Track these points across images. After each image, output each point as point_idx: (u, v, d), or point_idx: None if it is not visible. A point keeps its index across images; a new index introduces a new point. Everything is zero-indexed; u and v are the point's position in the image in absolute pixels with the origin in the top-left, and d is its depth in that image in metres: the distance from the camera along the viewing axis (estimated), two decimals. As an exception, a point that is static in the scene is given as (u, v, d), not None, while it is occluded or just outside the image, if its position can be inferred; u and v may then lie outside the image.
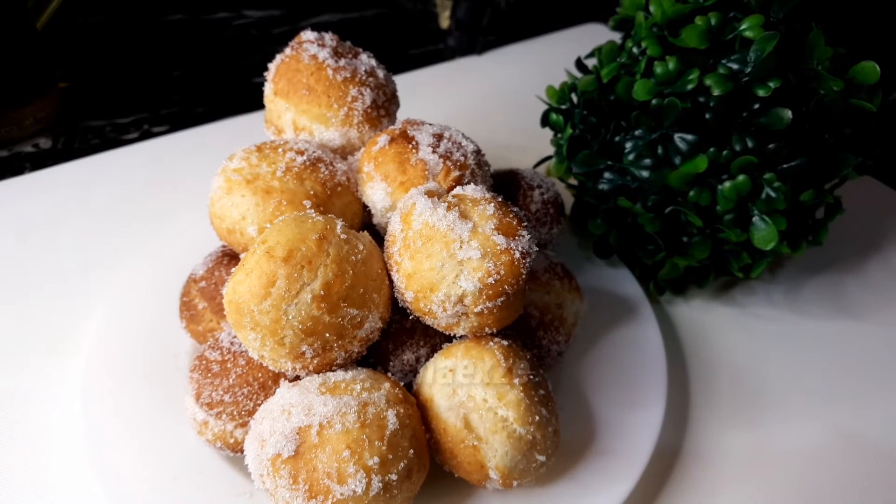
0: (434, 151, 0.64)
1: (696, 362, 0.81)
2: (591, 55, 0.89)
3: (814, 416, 0.76)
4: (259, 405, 0.59)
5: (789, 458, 0.71)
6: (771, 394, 0.78)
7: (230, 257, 0.70)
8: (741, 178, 0.71)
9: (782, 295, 0.91)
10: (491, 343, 0.59)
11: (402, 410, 0.55)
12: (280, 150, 0.64)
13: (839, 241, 0.95)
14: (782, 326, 0.86)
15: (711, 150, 0.72)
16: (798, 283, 0.92)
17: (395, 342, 0.64)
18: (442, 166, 0.63)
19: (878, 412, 0.77)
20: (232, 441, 0.60)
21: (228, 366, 0.61)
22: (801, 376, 0.80)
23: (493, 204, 0.58)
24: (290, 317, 0.53)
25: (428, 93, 1.29)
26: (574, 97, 0.88)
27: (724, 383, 0.79)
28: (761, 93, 0.68)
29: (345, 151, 0.70)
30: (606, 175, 0.81)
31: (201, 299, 0.69)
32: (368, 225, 0.69)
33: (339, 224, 0.57)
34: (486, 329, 0.60)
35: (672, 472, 0.69)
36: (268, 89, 0.71)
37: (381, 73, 0.72)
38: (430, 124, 0.68)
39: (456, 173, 0.64)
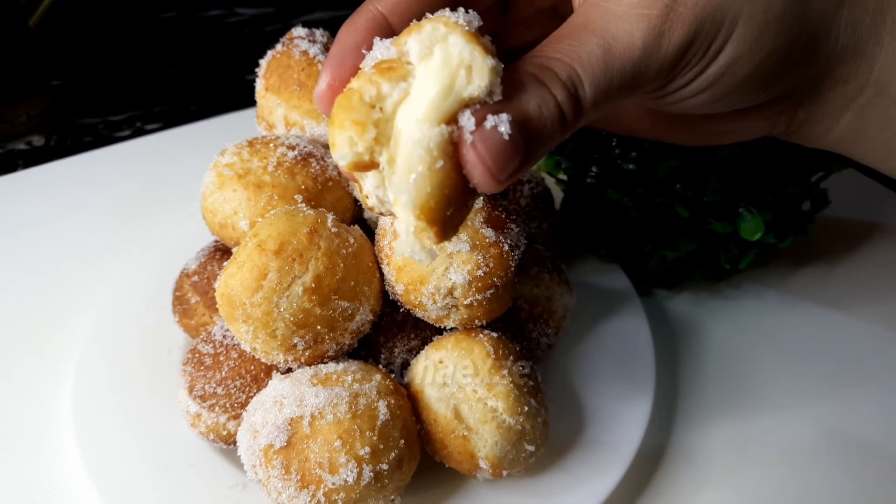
0: (424, 146, 0.64)
1: (685, 354, 0.82)
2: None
3: (802, 407, 0.76)
4: (251, 397, 0.60)
5: (777, 449, 0.72)
6: (759, 386, 0.79)
7: (222, 252, 0.71)
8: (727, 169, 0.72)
9: (770, 289, 0.91)
10: (481, 335, 0.60)
11: (392, 401, 0.56)
12: (271, 145, 0.65)
13: (827, 236, 0.96)
14: (770, 320, 0.87)
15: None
16: (786, 277, 0.93)
17: (386, 334, 0.64)
18: (432, 161, 0.64)
19: (868, 406, 0.77)
20: (225, 433, 0.61)
21: (221, 359, 0.61)
22: (790, 369, 0.81)
23: (481, 197, 0.59)
24: (282, 309, 0.54)
25: (420, 89, 1.29)
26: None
27: (712, 375, 0.79)
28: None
29: (336, 147, 0.71)
30: (594, 169, 0.81)
31: (194, 294, 0.69)
32: (359, 219, 0.70)
33: (330, 218, 0.58)
34: (476, 321, 0.60)
35: (660, 465, 0.70)
36: (259, 85, 0.72)
37: (371, 69, 0.72)
38: (420, 119, 0.68)
39: (445, 168, 0.64)
